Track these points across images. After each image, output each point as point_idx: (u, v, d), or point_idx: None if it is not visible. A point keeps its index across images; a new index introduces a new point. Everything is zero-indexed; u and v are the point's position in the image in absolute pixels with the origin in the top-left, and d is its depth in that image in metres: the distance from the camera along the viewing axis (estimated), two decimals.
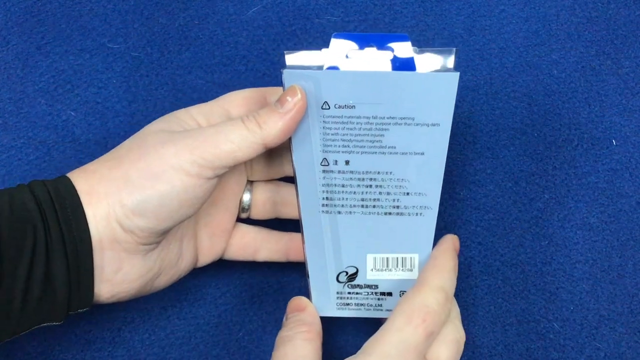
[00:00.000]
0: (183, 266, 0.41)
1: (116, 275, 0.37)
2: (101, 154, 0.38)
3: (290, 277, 0.46)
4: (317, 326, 0.39)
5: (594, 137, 0.49)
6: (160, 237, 0.37)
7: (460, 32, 0.51)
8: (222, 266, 0.45)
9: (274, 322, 0.46)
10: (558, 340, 0.45)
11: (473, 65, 0.50)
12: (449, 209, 0.47)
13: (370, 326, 0.45)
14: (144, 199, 0.35)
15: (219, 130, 0.36)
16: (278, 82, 0.49)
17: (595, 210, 0.47)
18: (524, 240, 0.47)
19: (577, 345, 0.45)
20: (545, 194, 0.48)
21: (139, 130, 0.39)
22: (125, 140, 0.38)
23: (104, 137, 0.48)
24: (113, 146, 0.38)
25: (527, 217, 0.47)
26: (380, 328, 0.36)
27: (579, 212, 0.47)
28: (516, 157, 0.48)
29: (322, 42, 0.50)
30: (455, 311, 0.39)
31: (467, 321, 0.46)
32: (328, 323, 0.40)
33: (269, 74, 0.50)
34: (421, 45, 0.41)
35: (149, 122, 0.39)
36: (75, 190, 0.36)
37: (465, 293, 0.46)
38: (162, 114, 0.39)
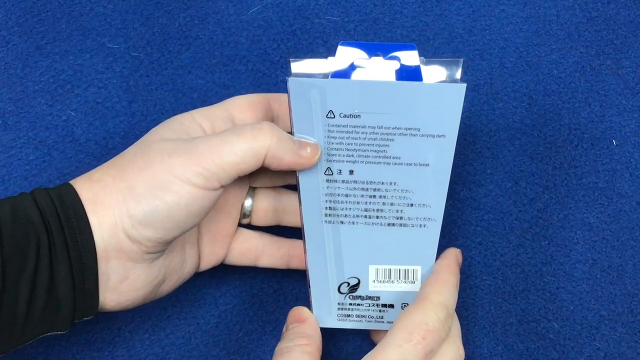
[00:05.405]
0: (186, 271, 0.41)
1: (122, 284, 0.37)
2: (101, 154, 0.38)
3: (290, 277, 0.46)
4: (317, 339, 0.39)
5: (594, 137, 0.49)
6: (165, 245, 0.37)
7: (460, 32, 0.50)
8: (223, 267, 0.45)
9: (274, 322, 0.46)
10: (558, 340, 0.45)
11: (473, 65, 0.50)
12: (449, 209, 0.47)
13: (366, 336, 0.45)
14: (152, 210, 0.35)
15: (225, 141, 0.36)
16: (278, 82, 0.49)
17: (595, 210, 0.47)
18: (524, 240, 0.47)
19: (577, 345, 0.45)
20: (545, 194, 0.48)
21: (138, 130, 0.38)
22: (124, 139, 0.38)
23: (104, 137, 0.48)
24: (113, 146, 0.38)
25: (527, 217, 0.47)
26: (379, 343, 0.35)
27: (579, 212, 0.47)
28: (516, 157, 0.48)
29: (322, 43, 0.50)
30: (456, 328, 0.38)
31: (467, 321, 0.46)
32: (323, 332, 0.40)
33: (268, 74, 0.50)
34: (422, 47, 0.41)
35: (149, 122, 0.39)
36: (80, 200, 0.35)
37: (465, 293, 0.46)
38: (162, 114, 0.39)
